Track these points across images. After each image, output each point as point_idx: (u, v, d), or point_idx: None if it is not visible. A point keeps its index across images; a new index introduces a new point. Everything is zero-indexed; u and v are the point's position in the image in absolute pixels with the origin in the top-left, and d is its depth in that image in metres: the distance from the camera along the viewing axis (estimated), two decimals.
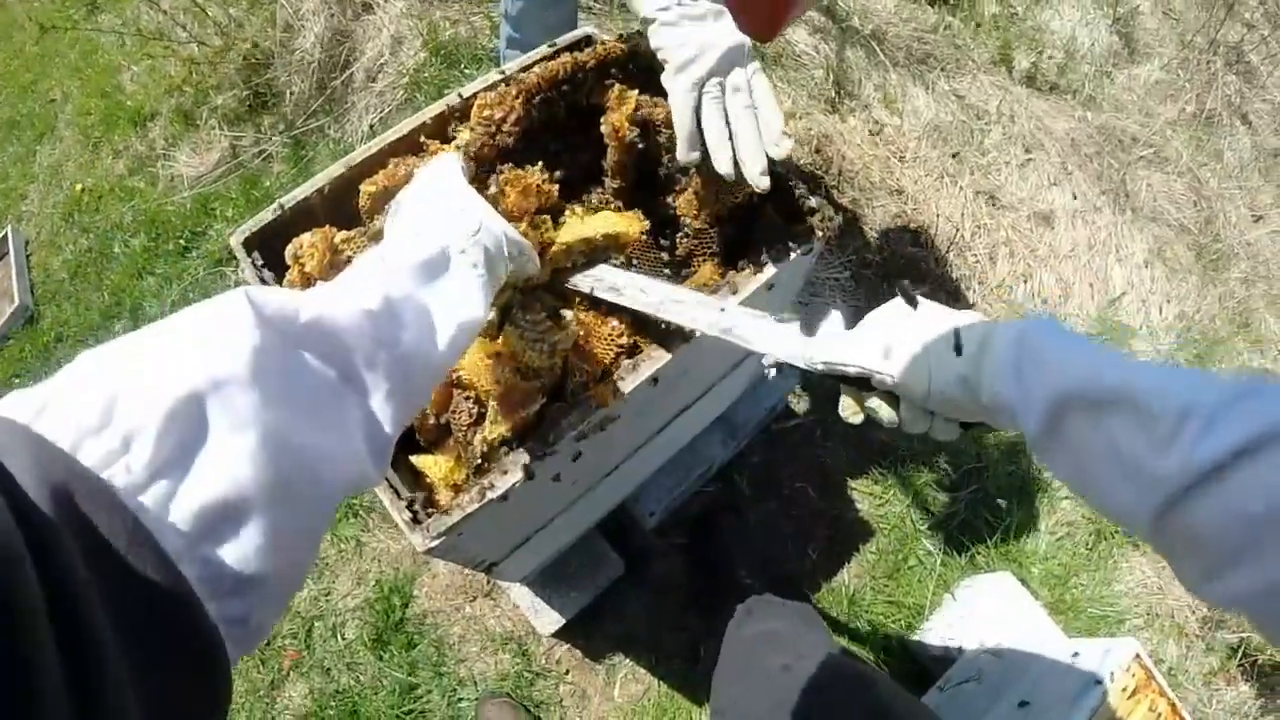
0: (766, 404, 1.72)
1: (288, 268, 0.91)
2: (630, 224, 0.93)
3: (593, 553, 1.55)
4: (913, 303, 0.65)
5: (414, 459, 0.88)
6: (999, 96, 2.45)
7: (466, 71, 2.41)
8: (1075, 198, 2.37)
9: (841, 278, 2.04)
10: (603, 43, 1.04)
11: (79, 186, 2.60)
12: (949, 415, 0.62)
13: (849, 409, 0.68)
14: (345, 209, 1.00)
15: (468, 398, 0.87)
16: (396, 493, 0.79)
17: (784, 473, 1.82)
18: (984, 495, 1.84)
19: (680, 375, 0.97)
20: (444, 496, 0.84)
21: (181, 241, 2.31)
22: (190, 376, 0.35)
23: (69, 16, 3.05)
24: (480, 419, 0.86)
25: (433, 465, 0.86)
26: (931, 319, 0.63)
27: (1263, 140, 2.78)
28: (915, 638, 1.64)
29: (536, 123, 1.00)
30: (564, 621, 1.51)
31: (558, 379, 0.88)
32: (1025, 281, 2.21)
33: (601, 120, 0.98)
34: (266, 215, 0.98)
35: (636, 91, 0.98)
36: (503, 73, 1.06)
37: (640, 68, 1.04)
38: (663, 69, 0.89)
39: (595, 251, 0.90)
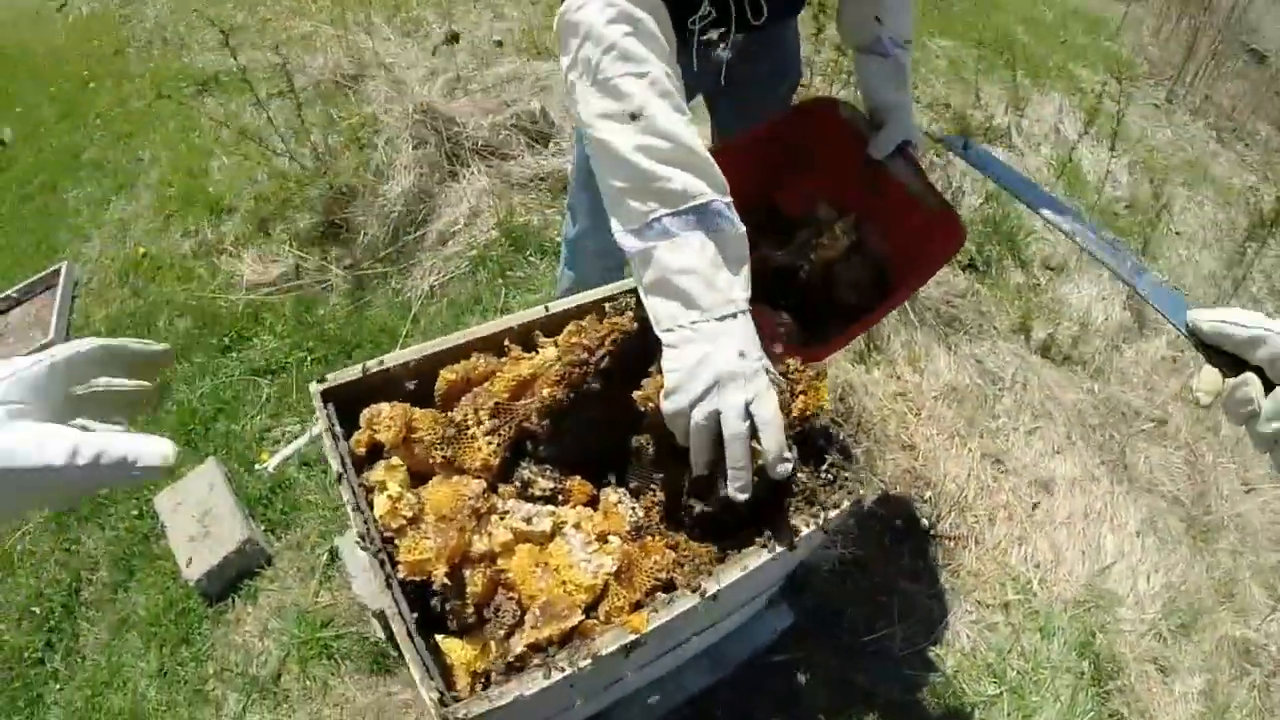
0: (754, 642, 1.76)
1: (357, 426, 1.00)
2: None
3: None
4: None
5: (440, 639, 0.92)
6: (1015, 364, 2.61)
7: (530, 258, 2.60)
8: (1076, 467, 2.48)
9: (847, 524, 2.13)
10: None
11: (141, 250, 2.73)
12: None
13: (1208, 384, 0.62)
14: (423, 387, 1.09)
15: (511, 598, 0.92)
16: (428, 671, 0.82)
17: (757, 705, 1.85)
18: None
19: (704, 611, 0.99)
20: (461, 680, 0.88)
21: (226, 340, 2.41)
22: None
23: (180, 88, 3.27)
24: (520, 621, 0.91)
25: (459, 650, 0.90)
26: None
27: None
28: None
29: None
30: None
31: (596, 597, 0.93)
32: (1020, 545, 2.29)
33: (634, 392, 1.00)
34: (351, 373, 1.07)
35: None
36: (600, 304, 1.17)
37: None
38: None
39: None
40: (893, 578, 2.11)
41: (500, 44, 3.60)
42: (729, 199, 0.91)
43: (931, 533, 2.18)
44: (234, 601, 1.96)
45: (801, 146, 1.39)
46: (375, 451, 1.04)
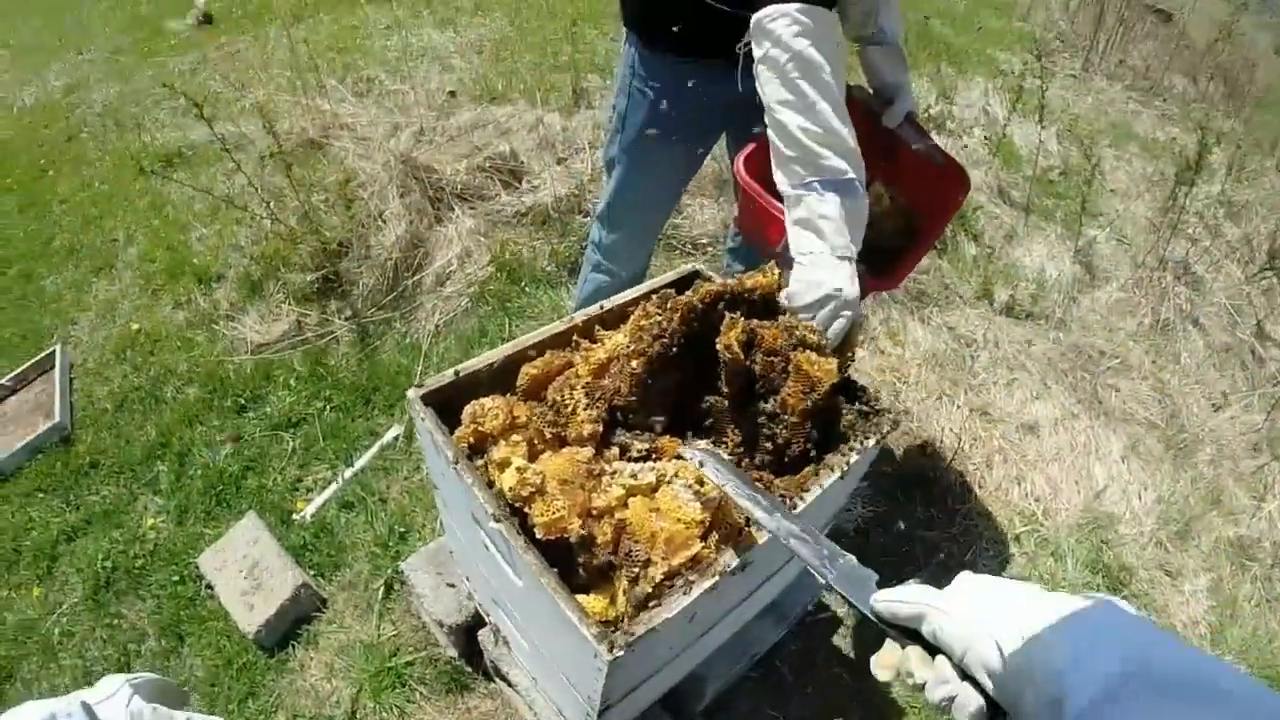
0: (808, 596, 1.88)
1: (459, 424, 1.13)
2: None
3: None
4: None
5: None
6: (984, 326, 2.83)
7: (526, 289, 2.76)
8: (1056, 409, 2.69)
9: (860, 485, 2.27)
10: (710, 279, 1.30)
11: (135, 326, 2.74)
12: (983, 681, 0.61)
13: (885, 660, 0.68)
14: (505, 383, 1.25)
15: (636, 541, 1.04)
16: (583, 612, 0.96)
17: (818, 657, 1.96)
18: None
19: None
20: (594, 630, 0.97)
21: (240, 400, 2.45)
22: None
23: (144, 167, 3.29)
24: (649, 560, 1.02)
25: (590, 603, 1.01)
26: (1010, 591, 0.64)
27: (1213, 339, 3.17)
28: None
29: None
30: None
31: (706, 530, 1.06)
32: (1019, 484, 2.47)
33: (716, 341, 1.18)
34: (445, 378, 1.21)
35: (741, 317, 1.19)
36: (649, 295, 1.33)
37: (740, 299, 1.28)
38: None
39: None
40: (911, 528, 2.26)
41: (453, 94, 3.74)
42: (863, 177, 1.26)
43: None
44: (294, 649, 1.98)
45: None
46: (476, 446, 1.15)
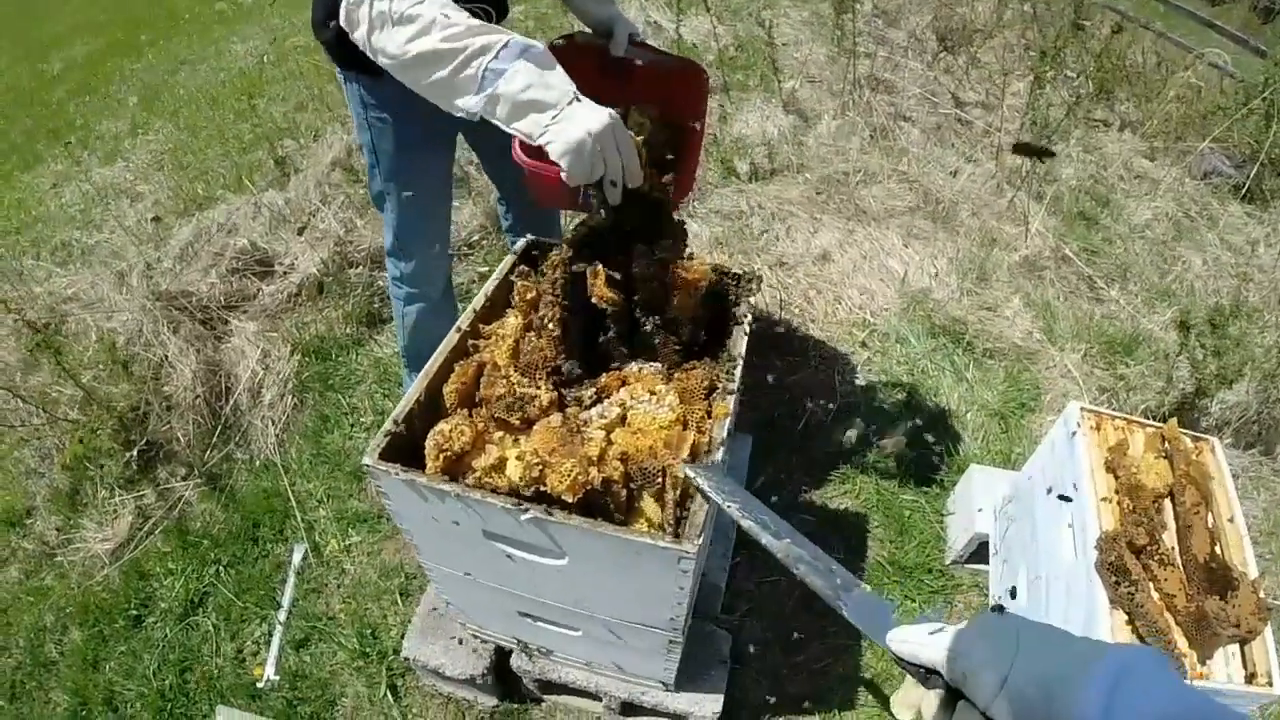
0: (742, 471, 2.08)
1: (423, 466, 1.16)
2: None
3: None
4: (1000, 610, 0.66)
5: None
6: (739, 197, 3.18)
7: (340, 359, 2.73)
8: (834, 232, 3.08)
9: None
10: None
11: None
12: None
13: (906, 700, 0.74)
14: (435, 410, 1.28)
15: (638, 464, 1.16)
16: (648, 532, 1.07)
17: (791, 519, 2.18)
18: None
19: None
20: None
21: (130, 612, 2.18)
22: None
23: None
24: (663, 471, 1.14)
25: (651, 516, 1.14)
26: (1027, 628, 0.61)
27: (924, 122, 3.74)
28: None
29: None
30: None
31: (684, 422, 1.21)
32: (840, 303, 2.83)
33: (589, 294, 1.30)
34: (388, 430, 1.21)
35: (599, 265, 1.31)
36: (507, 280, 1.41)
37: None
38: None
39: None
40: (781, 378, 2.55)
41: (158, 219, 3.43)
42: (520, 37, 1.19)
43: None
44: None
45: None
46: (447, 472, 1.18)
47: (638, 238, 1.32)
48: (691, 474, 1.06)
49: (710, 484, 1.01)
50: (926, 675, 0.65)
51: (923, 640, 0.65)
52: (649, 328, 1.35)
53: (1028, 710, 0.55)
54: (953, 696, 0.63)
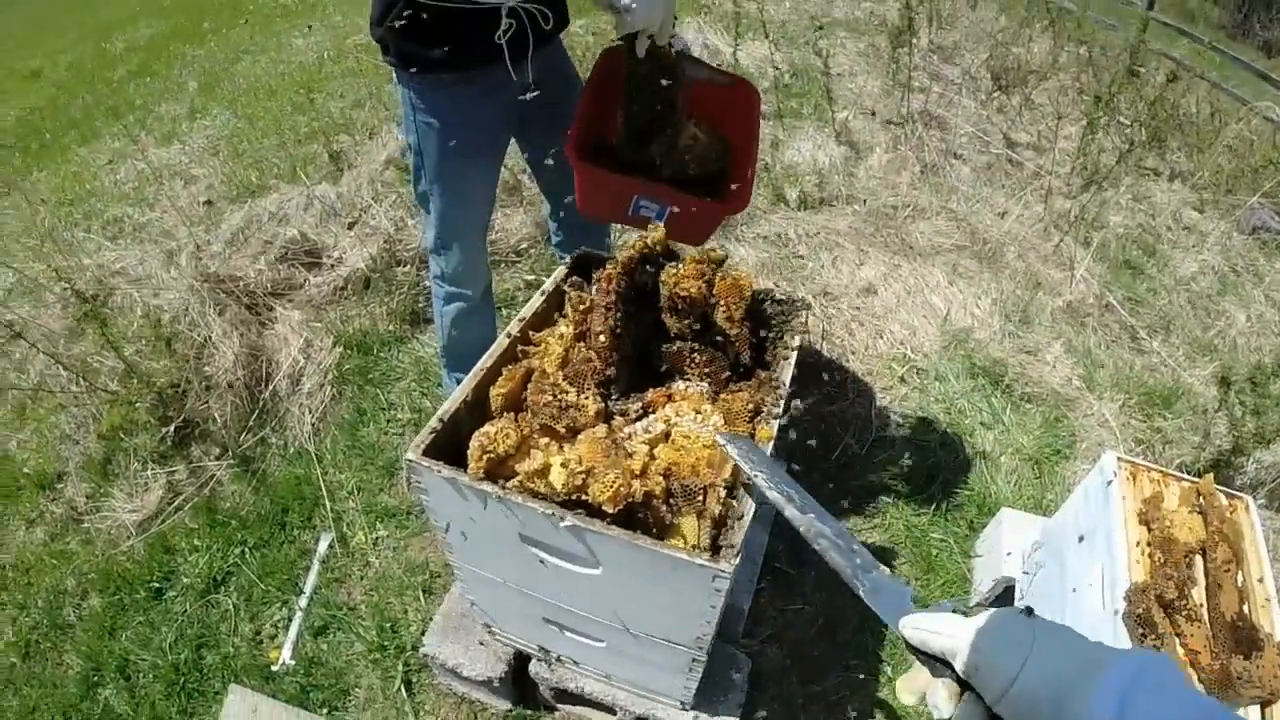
0: None
1: (463, 466, 1.17)
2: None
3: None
4: (1029, 612, 0.64)
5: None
6: (789, 225, 3.17)
7: (380, 355, 2.75)
8: (879, 266, 3.07)
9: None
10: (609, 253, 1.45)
11: None
12: None
13: (913, 685, 0.68)
14: (480, 412, 1.29)
15: (684, 479, 1.16)
16: (682, 548, 1.06)
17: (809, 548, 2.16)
18: None
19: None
20: None
21: (151, 584, 2.21)
22: None
23: None
24: (706, 490, 1.14)
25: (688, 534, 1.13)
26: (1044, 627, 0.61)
27: (974, 161, 3.73)
28: None
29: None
30: None
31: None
32: (881, 337, 2.81)
33: (670, 289, 1.33)
34: (432, 427, 1.23)
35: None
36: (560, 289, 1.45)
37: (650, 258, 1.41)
38: None
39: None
40: (818, 407, 2.52)
41: (209, 203, 3.50)
42: None
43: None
44: None
45: (611, 89, 1.69)
46: (489, 475, 1.18)
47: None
48: (723, 442, 1.08)
49: (740, 453, 1.03)
50: (936, 664, 0.65)
51: (936, 628, 0.65)
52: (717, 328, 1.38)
53: (1037, 709, 0.55)
54: (961, 688, 0.63)
